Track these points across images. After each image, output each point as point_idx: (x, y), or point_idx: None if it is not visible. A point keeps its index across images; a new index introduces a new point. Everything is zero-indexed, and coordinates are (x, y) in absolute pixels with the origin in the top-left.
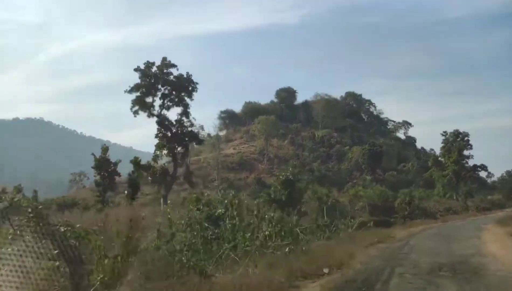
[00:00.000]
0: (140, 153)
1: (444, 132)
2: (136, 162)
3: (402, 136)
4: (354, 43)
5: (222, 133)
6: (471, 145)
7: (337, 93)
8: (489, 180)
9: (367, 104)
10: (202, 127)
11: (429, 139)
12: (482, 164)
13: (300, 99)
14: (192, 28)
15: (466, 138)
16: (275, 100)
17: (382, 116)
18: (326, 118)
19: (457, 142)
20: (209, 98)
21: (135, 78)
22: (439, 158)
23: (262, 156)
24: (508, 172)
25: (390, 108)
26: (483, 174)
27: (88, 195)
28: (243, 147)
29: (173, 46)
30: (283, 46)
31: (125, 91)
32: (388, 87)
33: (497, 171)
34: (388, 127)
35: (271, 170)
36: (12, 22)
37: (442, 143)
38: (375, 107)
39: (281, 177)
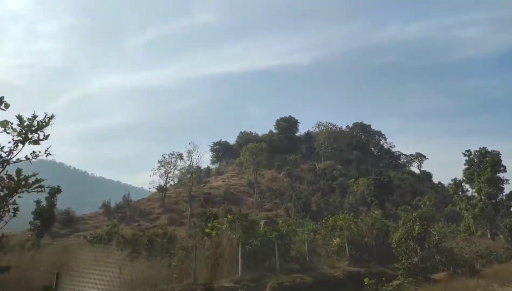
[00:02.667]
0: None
1: (467, 151)
2: None
3: (417, 170)
4: (367, 84)
5: (215, 166)
6: (505, 167)
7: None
8: None
9: (376, 136)
10: None
11: (445, 176)
12: None
13: (303, 130)
14: (206, 70)
15: (497, 157)
16: (274, 130)
17: (393, 149)
18: (330, 150)
19: (485, 161)
20: (220, 135)
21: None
22: (463, 183)
23: (253, 188)
24: None
25: (405, 146)
26: None
27: None
28: (233, 179)
29: (188, 87)
30: (295, 86)
31: None
32: (402, 127)
33: None
34: (400, 162)
35: (261, 204)
36: (37, 66)
37: (465, 164)
38: (385, 139)
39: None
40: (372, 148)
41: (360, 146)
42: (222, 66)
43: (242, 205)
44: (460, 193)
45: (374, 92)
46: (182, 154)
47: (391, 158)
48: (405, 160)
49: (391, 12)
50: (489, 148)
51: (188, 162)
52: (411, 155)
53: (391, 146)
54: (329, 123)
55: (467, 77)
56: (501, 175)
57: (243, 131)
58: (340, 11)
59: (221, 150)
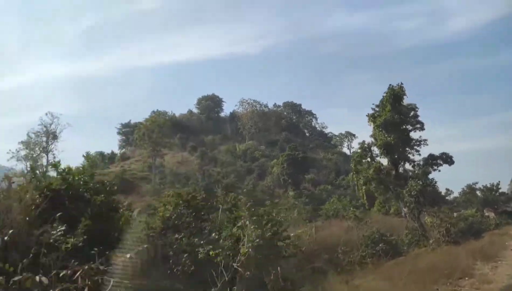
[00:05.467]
0: None
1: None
2: None
3: (348, 151)
4: (314, 73)
5: (122, 151)
6: (422, 124)
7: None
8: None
9: (308, 116)
10: None
11: None
12: (444, 153)
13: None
14: (148, 59)
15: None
16: (196, 110)
17: (326, 131)
18: (255, 131)
19: (384, 99)
20: None
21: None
22: (373, 146)
23: (157, 172)
24: (468, 186)
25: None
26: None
27: None
28: (135, 165)
29: (128, 77)
30: (243, 75)
31: None
32: (344, 116)
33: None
34: (332, 143)
35: (160, 191)
36: None
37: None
38: (316, 119)
39: None
40: (305, 130)
41: (290, 126)
42: (168, 55)
43: (133, 194)
44: (369, 159)
45: (318, 82)
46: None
47: (323, 138)
48: (337, 141)
49: (338, 2)
50: (426, 136)
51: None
52: (341, 134)
53: (323, 127)
54: (253, 100)
55: (407, 67)
56: (418, 134)
57: (155, 110)
58: (288, 0)
59: (131, 133)
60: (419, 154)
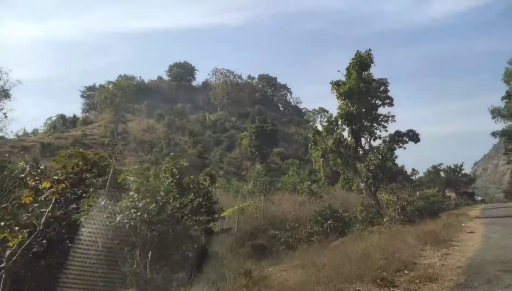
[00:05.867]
0: None
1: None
2: None
3: (320, 127)
4: (295, 49)
5: (85, 115)
6: (391, 99)
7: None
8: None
9: (283, 90)
10: None
11: None
12: (411, 130)
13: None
14: (124, 24)
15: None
16: (167, 77)
17: (300, 106)
18: (227, 101)
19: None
20: None
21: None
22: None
23: (119, 138)
24: (433, 166)
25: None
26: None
27: None
28: (97, 130)
29: (102, 42)
30: (219, 46)
31: None
32: (321, 93)
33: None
34: (306, 119)
35: (121, 158)
36: None
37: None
38: (291, 93)
39: None
40: (280, 104)
41: (264, 100)
42: (145, 21)
43: None
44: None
45: (297, 58)
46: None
47: (297, 113)
48: (310, 117)
49: None
50: (401, 118)
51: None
52: (314, 109)
53: (297, 102)
54: (227, 70)
55: (386, 48)
56: (387, 110)
57: (123, 74)
58: None
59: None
60: (386, 130)
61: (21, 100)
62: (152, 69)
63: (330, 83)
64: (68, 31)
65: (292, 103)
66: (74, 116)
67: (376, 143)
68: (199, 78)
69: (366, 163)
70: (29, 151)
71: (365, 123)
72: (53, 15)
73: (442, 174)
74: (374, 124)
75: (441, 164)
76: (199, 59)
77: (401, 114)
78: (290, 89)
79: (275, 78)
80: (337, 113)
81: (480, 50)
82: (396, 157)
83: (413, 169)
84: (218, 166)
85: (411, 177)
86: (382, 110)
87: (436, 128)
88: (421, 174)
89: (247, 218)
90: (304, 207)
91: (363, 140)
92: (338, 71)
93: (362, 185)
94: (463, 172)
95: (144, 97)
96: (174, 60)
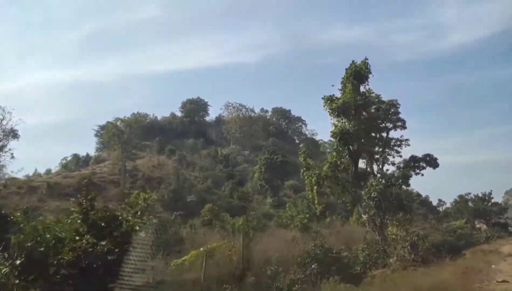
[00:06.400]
0: None
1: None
2: None
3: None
4: (309, 82)
5: (98, 153)
6: (400, 117)
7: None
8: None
9: (297, 122)
10: None
11: None
12: (428, 155)
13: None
14: (144, 68)
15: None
16: (180, 114)
17: (316, 138)
18: (239, 135)
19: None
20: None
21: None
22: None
23: (127, 176)
24: (460, 196)
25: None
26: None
27: None
28: (107, 167)
29: (122, 84)
30: (241, 84)
31: None
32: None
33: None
34: (321, 150)
35: (129, 195)
36: None
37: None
38: (306, 125)
39: None
40: (295, 137)
41: (278, 133)
42: (166, 63)
43: (98, 198)
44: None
45: (313, 90)
46: None
47: (313, 145)
48: (326, 148)
49: (335, 15)
50: (423, 149)
51: None
52: (330, 140)
53: (313, 134)
54: (239, 104)
55: (401, 80)
56: (400, 133)
57: (136, 112)
58: (287, 11)
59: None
60: (400, 156)
61: (42, 142)
62: (165, 107)
63: (322, 98)
64: (92, 74)
65: (307, 135)
66: (87, 155)
67: (390, 169)
68: (212, 113)
69: (367, 189)
70: (36, 191)
71: (376, 149)
72: (79, 61)
73: (470, 204)
74: (386, 149)
75: (469, 193)
76: (212, 95)
77: (423, 146)
78: (305, 121)
79: (289, 111)
80: (330, 132)
81: (502, 78)
82: (400, 181)
83: (439, 200)
84: (226, 201)
85: (437, 208)
86: (394, 134)
87: (464, 158)
88: (448, 205)
89: (220, 261)
90: (295, 245)
91: (375, 167)
92: (333, 85)
93: (364, 217)
94: (492, 201)
95: (157, 134)
96: (188, 97)
